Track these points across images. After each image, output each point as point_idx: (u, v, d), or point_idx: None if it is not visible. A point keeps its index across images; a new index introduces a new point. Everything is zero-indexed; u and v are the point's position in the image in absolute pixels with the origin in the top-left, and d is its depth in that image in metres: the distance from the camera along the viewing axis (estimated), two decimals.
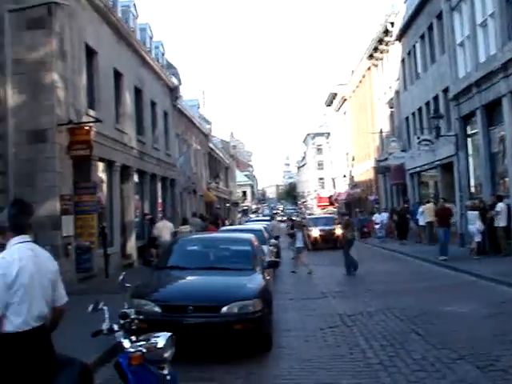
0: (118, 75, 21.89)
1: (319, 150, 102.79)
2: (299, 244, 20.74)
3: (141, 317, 5.18)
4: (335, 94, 63.67)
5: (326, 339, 9.44)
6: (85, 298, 6.98)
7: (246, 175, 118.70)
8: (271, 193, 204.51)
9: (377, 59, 42.29)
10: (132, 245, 22.82)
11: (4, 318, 3.83)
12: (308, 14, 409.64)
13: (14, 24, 15.26)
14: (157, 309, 8.11)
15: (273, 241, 20.85)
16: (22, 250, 4.02)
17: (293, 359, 8.24)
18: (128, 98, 23.20)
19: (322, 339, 9.46)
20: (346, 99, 57.83)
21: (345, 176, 58.05)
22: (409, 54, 33.51)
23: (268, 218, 48.66)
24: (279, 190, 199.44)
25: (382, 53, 40.52)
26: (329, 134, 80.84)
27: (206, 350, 8.21)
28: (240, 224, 37.50)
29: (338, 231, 28.03)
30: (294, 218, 33.57)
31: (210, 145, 53.55)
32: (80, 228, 16.63)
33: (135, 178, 24.09)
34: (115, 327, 4.84)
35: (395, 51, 36.41)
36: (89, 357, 7.00)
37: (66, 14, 16.18)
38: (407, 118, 34.78)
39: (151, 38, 31.44)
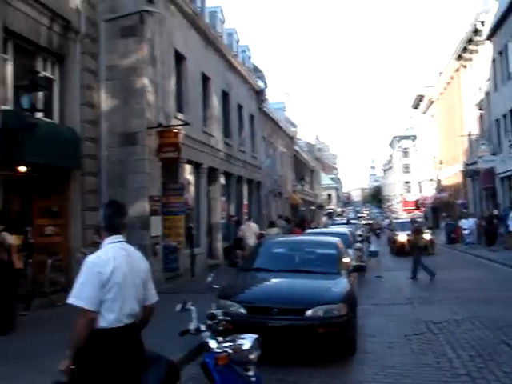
0: (205, 79, 22.30)
1: (405, 154, 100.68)
2: (373, 248, 20.45)
3: (228, 318, 5.27)
4: (422, 97, 62.27)
5: (411, 346, 9.26)
6: (171, 297, 7.15)
7: (331, 178, 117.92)
8: (356, 196, 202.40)
9: (466, 60, 41.04)
10: (218, 246, 23.18)
11: (98, 315, 3.98)
12: (396, 15, 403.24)
13: (109, 33, 15.93)
14: (242, 310, 8.20)
15: (358, 244, 20.64)
16: (115, 250, 4.15)
17: (377, 365, 8.14)
18: (215, 102, 23.60)
19: (407, 346, 9.29)
20: (433, 101, 56.46)
21: (431, 180, 56.63)
22: (500, 53, 32.36)
23: (344, 221, 48.20)
24: (364, 193, 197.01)
25: (471, 53, 39.30)
26: (415, 136, 79.15)
27: (289, 353, 8.25)
28: (325, 227, 37.25)
29: (427, 236, 27.42)
30: (371, 222, 33.11)
31: (296, 147, 53.55)
32: (168, 228, 17.03)
33: (222, 180, 24.46)
34: (202, 327, 4.95)
35: (485, 51, 35.26)
36: (175, 354, 7.19)
37: (156, 21, 16.68)
38: (498, 120, 33.60)
39: (238, 42, 31.85)
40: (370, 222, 48.72)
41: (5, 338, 9.43)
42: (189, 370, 7.43)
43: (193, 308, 5.14)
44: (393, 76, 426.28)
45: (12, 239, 10.17)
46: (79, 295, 3.94)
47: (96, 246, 5.44)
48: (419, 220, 31.52)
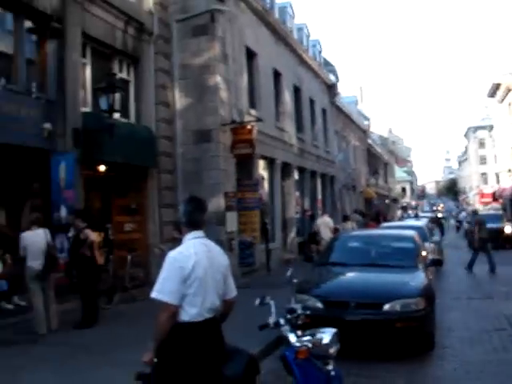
0: (277, 75, 22.35)
1: (481, 144, 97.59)
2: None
3: (307, 312, 5.27)
4: (499, 85, 60.03)
5: (492, 342, 8.99)
6: (248, 292, 7.23)
7: (405, 171, 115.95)
8: (431, 189, 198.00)
9: None
10: (293, 240, 23.21)
11: (180, 308, 4.04)
12: (468, 3, 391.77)
13: (181, 32, 16.22)
14: (319, 304, 8.18)
15: (435, 238, 20.28)
16: (196, 245, 4.19)
17: (456, 361, 7.95)
18: (287, 97, 23.62)
19: (488, 342, 9.01)
20: (510, 89, 54.50)
21: (510, 170, 54.76)
22: None
23: (413, 215, 47.14)
24: (439, 185, 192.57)
25: None
26: (491, 126, 76.60)
27: (367, 347, 8.18)
28: (400, 220, 36.61)
29: (508, 229, 26.58)
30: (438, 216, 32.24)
31: (369, 141, 52.90)
32: (243, 224, 17.20)
33: (295, 174, 24.47)
34: (281, 321, 4.96)
35: None
36: (254, 348, 7.24)
37: (226, 19, 16.84)
38: None
39: (308, 37, 31.68)
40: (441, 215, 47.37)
41: (89, 331, 9.80)
42: (267, 364, 7.45)
43: (271, 302, 5.17)
44: (467, 65, 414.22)
45: (94, 236, 10.51)
46: (162, 290, 3.99)
47: (175, 241, 5.54)
48: (498, 212, 30.48)
